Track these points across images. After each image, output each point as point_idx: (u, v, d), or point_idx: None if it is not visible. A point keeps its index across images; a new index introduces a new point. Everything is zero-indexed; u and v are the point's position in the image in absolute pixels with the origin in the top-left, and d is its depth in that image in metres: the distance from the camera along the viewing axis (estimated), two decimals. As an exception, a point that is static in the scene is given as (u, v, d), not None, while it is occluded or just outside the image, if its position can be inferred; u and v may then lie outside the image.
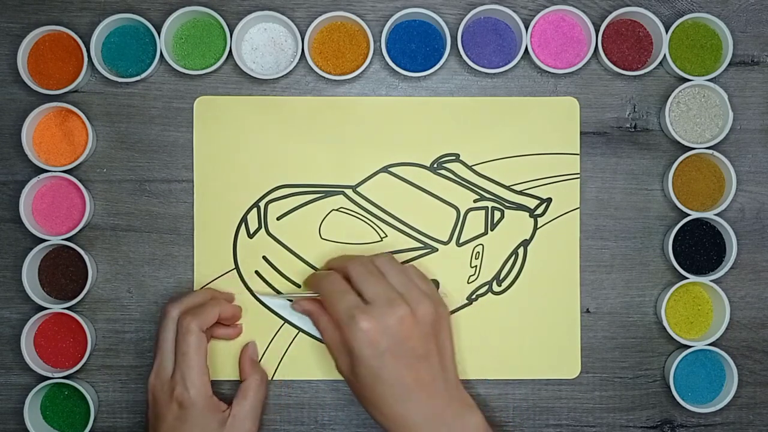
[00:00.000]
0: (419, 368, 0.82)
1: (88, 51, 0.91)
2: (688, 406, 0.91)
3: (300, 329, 0.93)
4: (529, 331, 0.93)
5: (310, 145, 0.93)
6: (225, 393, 0.93)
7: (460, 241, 0.93)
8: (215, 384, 0.90)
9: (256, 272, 0.93)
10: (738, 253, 0.92)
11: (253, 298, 0.93)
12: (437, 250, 0.93)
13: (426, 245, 0.93)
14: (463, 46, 0.92)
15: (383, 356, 0.81)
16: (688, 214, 0.91)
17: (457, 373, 0.85)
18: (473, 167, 0.93)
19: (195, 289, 0.93)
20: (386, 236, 0.93)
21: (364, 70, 0.93)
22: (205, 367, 0.86)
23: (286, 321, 0.93)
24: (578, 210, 0.94)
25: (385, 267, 0.86)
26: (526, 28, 0.92)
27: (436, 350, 0.84)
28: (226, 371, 0.93)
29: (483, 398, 0.93)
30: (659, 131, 0.94)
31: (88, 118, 0.91)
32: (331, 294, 0.85)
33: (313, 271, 0.93)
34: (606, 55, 0.92)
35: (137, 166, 0.94)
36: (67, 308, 0.91)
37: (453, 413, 0.82)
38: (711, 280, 0.92)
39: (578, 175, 0.94)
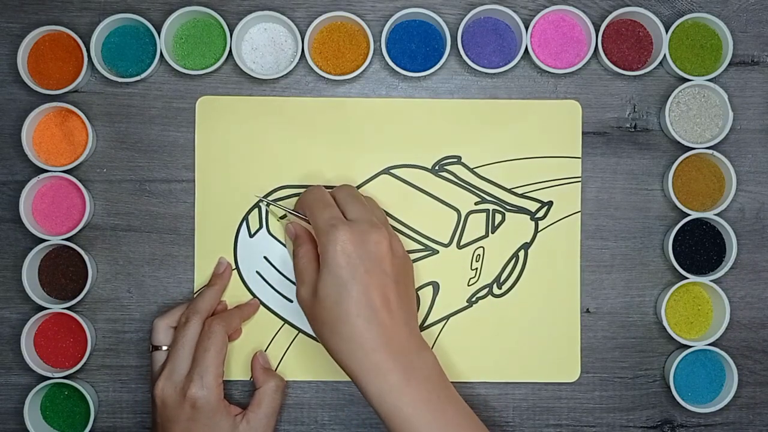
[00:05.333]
0: (388, 291, 0.81)
1: (88, 51, 0.91)
2: (688, 406, 0.91)
3: (300, 330, 0.93)
4: (528, 334, 0.93)
5: (312, 146, 0.93)
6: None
7: (461, 244, 0.93)
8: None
9: (257, 272, 0.93)
10: (738, 253, 0.92)
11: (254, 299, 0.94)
12: (438, 252, 0.93)
13: (427, 247, 0.93)
14: (463, 46, 0.92)
15: (357, 268, 0.80)
16: (688, 214, 0.91)
17: (417, 322, 0.85)
18: (475, 170, 0.93)
19: (195, 288, 0.93)
20: (387, 237, 0.93)
21: (364, 70, 0.92)
22: (222, 369, 0.86)
23: (286, 321, 0.93)
24: (579, 213, 0.94)
25: (369, 201, 0.87)
26: (526, 28, 0.92)
27: (404, 283, 0.84)
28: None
29: (483, 398, 0.93)
30: (659, 131, 0.94)
31: (88, 118, 0.91)
32: (315, 203, 0.84)
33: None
34: (606, 55, 0.92)
35: (137, 166, 0.93)
36: (67, 308, 0.91)
37: (413, 347, 0.81)
38: (711, 280, 0.92)
39: (580, 179, 0.94)
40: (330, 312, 0.80)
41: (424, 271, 0.93)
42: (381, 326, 0.80)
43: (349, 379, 0.92)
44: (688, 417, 0.94)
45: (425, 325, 0.93)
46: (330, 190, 0.88)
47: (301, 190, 0.93)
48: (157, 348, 0.88)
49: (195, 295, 0.93)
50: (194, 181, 0.93)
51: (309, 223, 0.86)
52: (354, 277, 0.80)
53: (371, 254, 0.81)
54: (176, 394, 0.85)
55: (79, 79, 0.91)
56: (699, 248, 0.92)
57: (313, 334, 0.92)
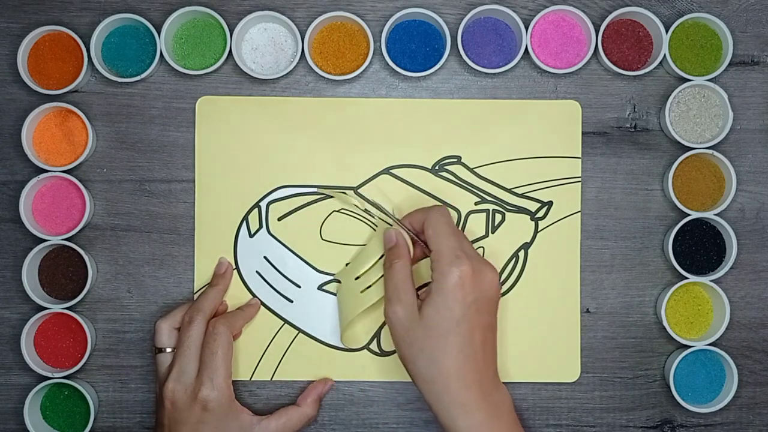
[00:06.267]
0: (487, 332, 0.82)
1: (88, 51, 0.91)
2: (688, 406, 0.91)
3: (300, 330, 0.93)
4: (528, 334, 0.93)
5: (312, 146, 0.93)
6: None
7: (462, 243, 0.93)
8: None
9: (257, 272, 0.93)
10: (738, 253, 0.92)
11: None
12: (438, 250, 0.93)
13: (427, 247, 0.93)
14: (463, 46, 0.92)
15: (470, 306, 0.81)
16: (688, 214, 0.91)
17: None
18: (475, 170, 0.93)
19: (195, 288, 0.93)
20: (387, 237, 0.93)
21: (364, 70, 0.92)
22: (230, 370, 0.86)
23: (286, 321, 0.93)
24: (579, 213, 0.94)
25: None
26: (526, 28, 0.92)
27: (497, 324, 0.84)
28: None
29: (483, 398, 0.93)
30: (659, 131, 0.94)
31: (88, 118, 0.91)
32: (445, 228, 0.84)
33: (315, 269, 0.93)
34: (606, 55, 0.92)
35: (137, 166, 0.93)
36: (67, 308, 0.91)
37: (495, 385, 0.83)
38: (711, 280, 0.92)
39: (580, 179, 0.94)
40: (434, 342, 0.81)
41: (425, 271, 0.93)
42: (476, 364, 0.81)
43: (348, 379, 0.93)
44: (688, 417, 0.94)
45: (425, 325, 0.93)
46: None
47: (301, 191, 0.93)
48: (161, 350, 0.88)
49: (196, 296, 0.92)
50: (194, 181, 0.93)
51: (411, 238, 0.86)
52: (466, 313, 0.81)
53: (485, 293, 0.82)
54: (187, 396, 0.85)
55: (79, 79, 0.91)
56: (699, 248, 0.92)
57: (313, 334, 0.93)
